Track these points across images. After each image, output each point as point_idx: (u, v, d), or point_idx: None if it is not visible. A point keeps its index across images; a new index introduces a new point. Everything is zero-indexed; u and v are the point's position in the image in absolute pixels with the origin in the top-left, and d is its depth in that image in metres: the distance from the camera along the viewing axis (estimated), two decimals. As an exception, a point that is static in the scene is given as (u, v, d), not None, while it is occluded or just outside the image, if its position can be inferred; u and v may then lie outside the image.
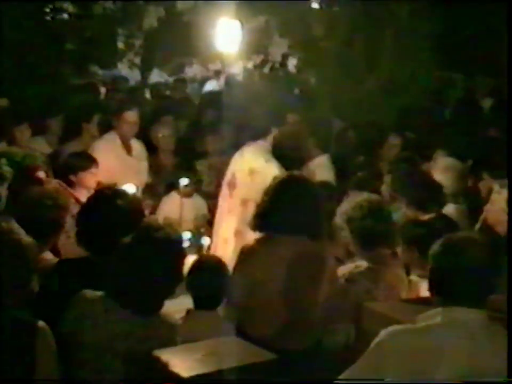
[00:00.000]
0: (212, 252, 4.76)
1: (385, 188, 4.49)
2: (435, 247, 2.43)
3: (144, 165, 5.89)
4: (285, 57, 13.18)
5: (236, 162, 4.80)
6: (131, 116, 5.86)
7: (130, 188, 4.56)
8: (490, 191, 4.07)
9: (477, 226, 4.28)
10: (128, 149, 5.78)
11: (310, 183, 3.56)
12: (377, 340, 2.35)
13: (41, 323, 2.52)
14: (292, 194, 3.38)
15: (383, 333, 2.35)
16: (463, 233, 2.57)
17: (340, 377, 2.37)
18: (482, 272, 2.35)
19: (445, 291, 2.37)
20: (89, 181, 4.80)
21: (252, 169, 4.51)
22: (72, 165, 4.89)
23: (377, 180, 5.13)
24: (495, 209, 4.01)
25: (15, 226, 2.79)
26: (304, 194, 3.40)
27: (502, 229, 4.00)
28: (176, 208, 5.27)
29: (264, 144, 4.72)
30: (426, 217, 4.16)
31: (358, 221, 3.50)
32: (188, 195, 5.43)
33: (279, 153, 4.59)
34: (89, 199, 3.43)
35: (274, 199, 3.38)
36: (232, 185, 4.72)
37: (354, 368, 2.37)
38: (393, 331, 2.35)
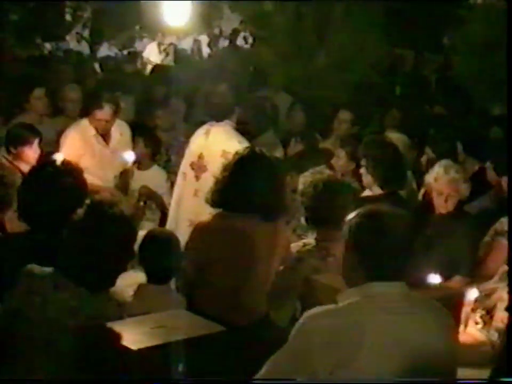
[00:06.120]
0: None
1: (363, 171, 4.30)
2: (352, 220, 2.35)
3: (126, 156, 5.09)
4: (235, 32, 13.11)
5: (200, 144, 4.60)
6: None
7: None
8: (432, 164, 4.06)
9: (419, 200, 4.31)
10: (105, 138, 5.18)
11: (272, 161, 3.48)
12: (298, 323, 2.31)
13: None
14: (254, 173, 3.33)
15: (304, 316, 2.31)
16: (379, 206, 2.50)
17: (267, 363, 2.33)
18: (401, 245, 2.31)
19: (365, 265, 2.31)
20: (28, 155, 4.65)
21: (226, 151, 4.27)
22: (11, 137, 4.79)
23: (325, 154, 5.16)
24: (438, 187, 4.02)
25: None
26: (266, 173, 3.36)
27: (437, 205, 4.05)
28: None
29: (232, 124, 4.59)
30: (377, 193, 4.19)
31: (310, 198, 3.48)
32: (145, 168, 5.41)
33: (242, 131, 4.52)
34: (30, 172, 3.36)
35: (235, 176, 3.33)
36: (200, 168, 4.55)
37: (280, 354, 2.33)
38: (314, 313, 2.30)
